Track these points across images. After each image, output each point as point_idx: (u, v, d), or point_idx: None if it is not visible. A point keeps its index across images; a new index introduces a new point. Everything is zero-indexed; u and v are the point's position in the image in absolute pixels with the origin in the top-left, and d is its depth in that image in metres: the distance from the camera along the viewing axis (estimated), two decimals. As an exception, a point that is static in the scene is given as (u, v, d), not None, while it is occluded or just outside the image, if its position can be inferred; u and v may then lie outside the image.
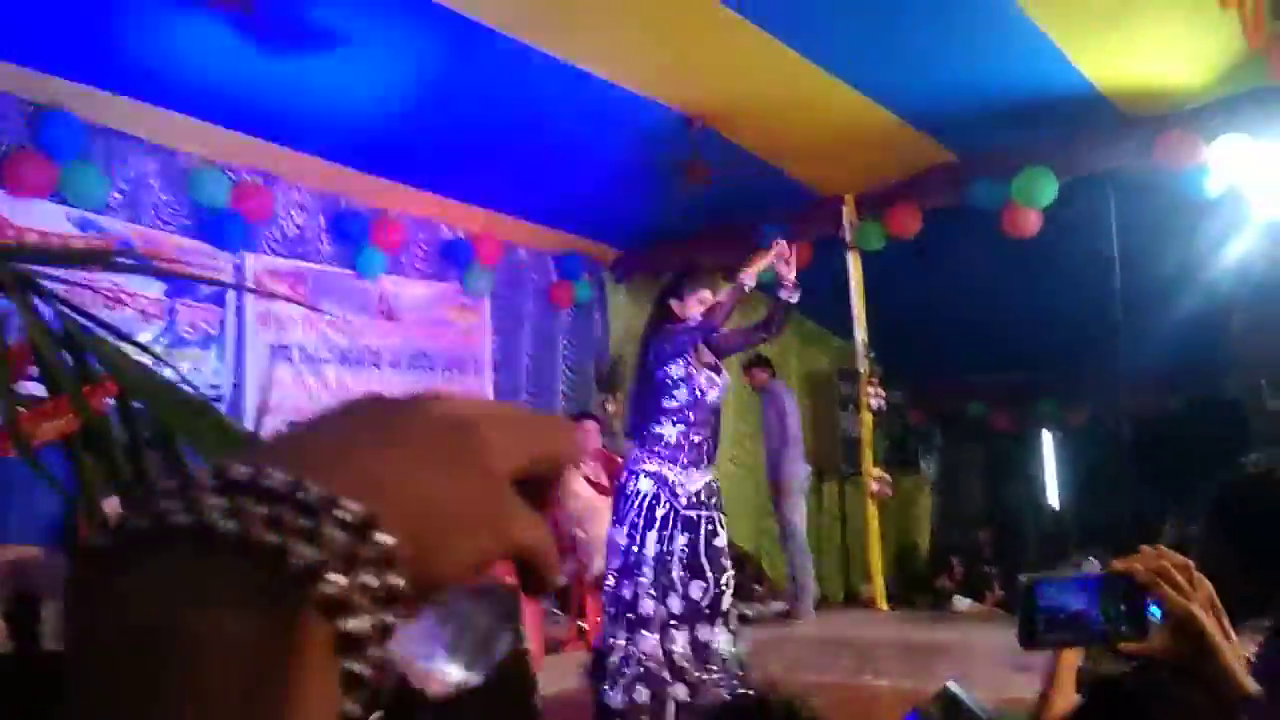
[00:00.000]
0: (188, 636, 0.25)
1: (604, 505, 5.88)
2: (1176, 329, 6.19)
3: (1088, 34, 4.58)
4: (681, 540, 3.27)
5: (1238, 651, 1.06)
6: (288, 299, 5.88)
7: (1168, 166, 5.22)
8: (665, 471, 3.30)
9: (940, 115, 5.37)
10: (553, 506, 0.38)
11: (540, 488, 0.37)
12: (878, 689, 3.76)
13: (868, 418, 6.79)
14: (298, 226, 6.06)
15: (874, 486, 6.67)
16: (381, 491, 0.30)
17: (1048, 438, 9.42)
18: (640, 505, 3.28)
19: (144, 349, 0.75)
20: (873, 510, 6.75)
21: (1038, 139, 5.52)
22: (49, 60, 4.42)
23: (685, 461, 3.35)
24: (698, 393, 3.39)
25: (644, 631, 3.22)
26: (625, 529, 3.31)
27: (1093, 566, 1.15)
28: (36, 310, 0.67)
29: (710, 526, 3.38)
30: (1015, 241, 5.81)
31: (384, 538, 0.29)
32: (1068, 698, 1.43)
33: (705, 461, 3.48)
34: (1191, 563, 1.06)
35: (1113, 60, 4.84)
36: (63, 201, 4.84)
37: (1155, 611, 1.04)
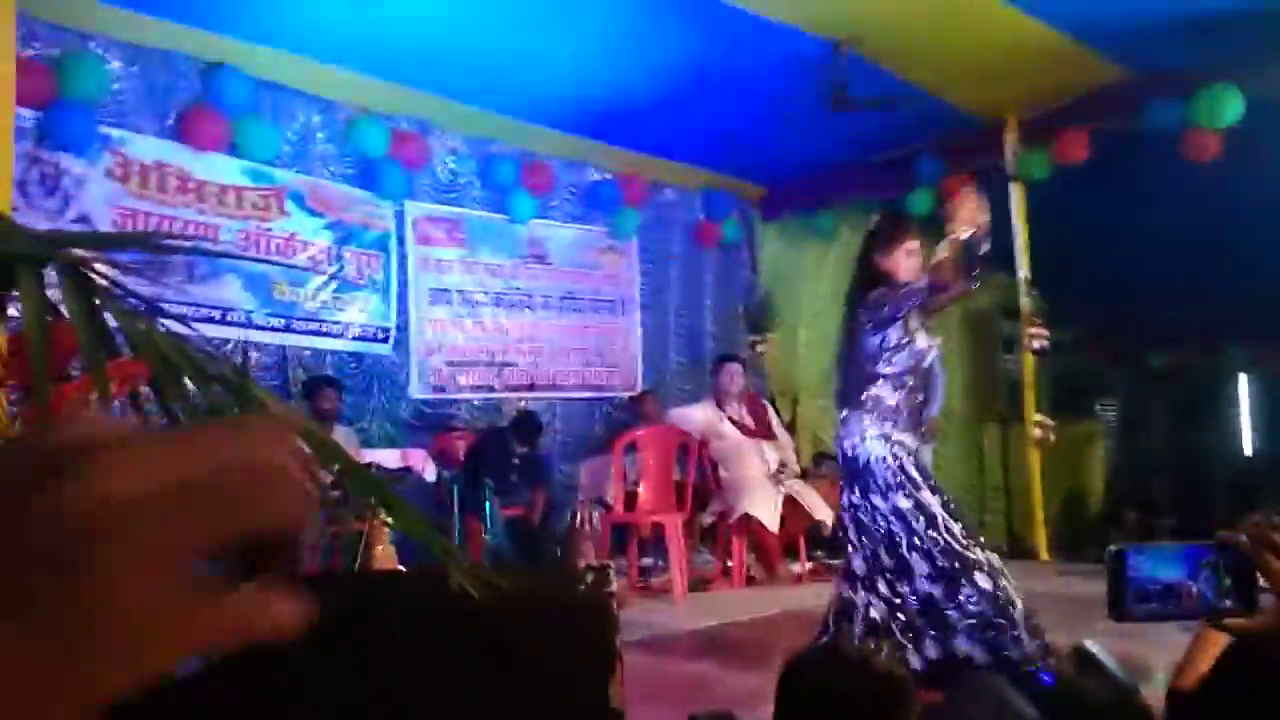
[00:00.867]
0: None
1: (750, 446, 5.89)
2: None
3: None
4: (923, 498, 3.18)
5: None
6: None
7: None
8: (894, 434, 3.22)
9: (1111, 29, 4.93)
10: (284, 562, 0.30)
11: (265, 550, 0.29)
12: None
13: (1030, 360, 6.44)
14: (452, 173, 6.27)
15: (1036, 433, 6.35)
16: None
17: (1242, 381, 8.66)
18: (878, 469, 3.20)
19: (186, 324, 0.80)
20: (1036, 457, 6.43)
21: (1221, 54, 4.97)
22: (219, 20, 4.72)
23: (908, 425, 3.26)
24: (918, 356, 3.27)
25: (904, 588, 3.15)
26: (864, 495, 3.23)
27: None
28: (82, 294, 0.72)
29: (934, 482, 3.29)
30: (1199, 167, 5.31)
31: None
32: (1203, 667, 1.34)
33: (924, 425, 3.37)
34: None
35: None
36: (236, 153, 5.20)
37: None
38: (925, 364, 3.30)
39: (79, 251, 0.76)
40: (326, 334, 5.64)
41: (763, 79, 5.57)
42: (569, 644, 1.52)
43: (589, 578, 1.61)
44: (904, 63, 5.45)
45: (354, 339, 5.77)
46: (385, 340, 5.93)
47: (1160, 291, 7.26)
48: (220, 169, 5.16)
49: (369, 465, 5.07)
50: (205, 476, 0.27)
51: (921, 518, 3.12)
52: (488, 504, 5.59)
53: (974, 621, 3.06)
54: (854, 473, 3.24)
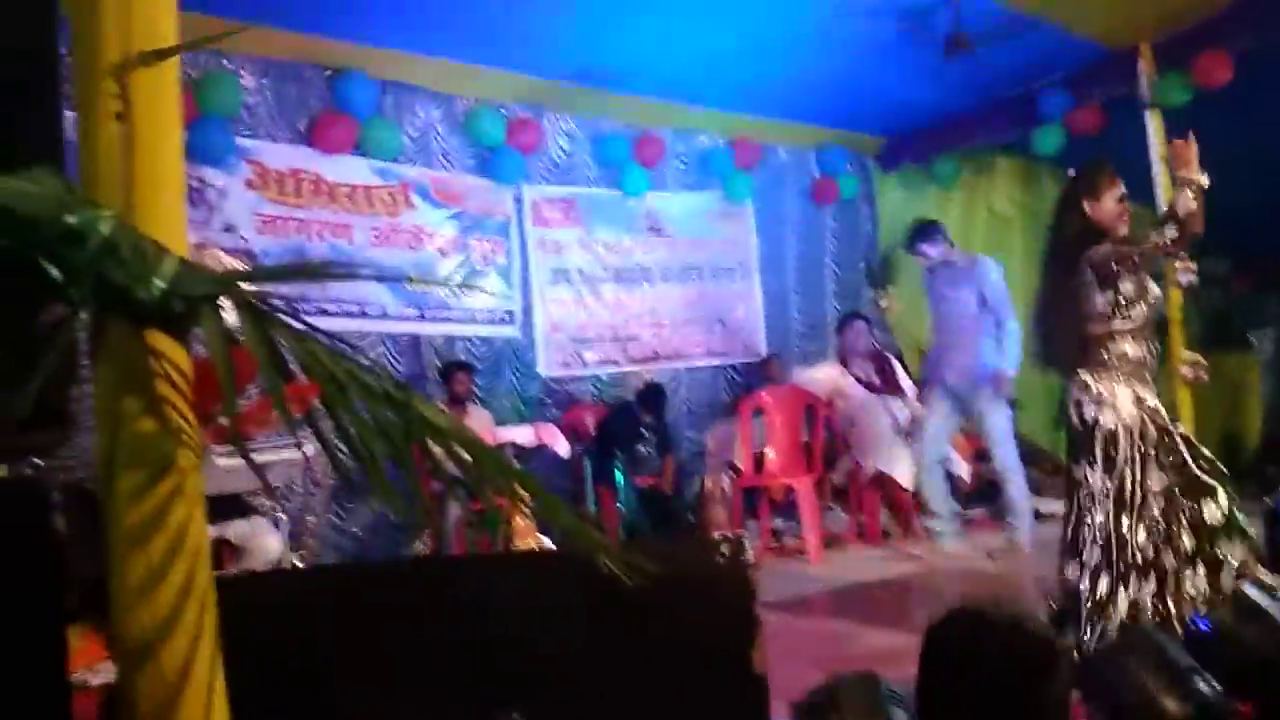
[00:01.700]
0: None
1: (876, 403, 5.82)
2: None
3: None
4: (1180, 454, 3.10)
5: None
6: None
7: None
8: (1138, 391, 3.15)
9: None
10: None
11: None
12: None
13: (1177, 295, 6.09)
14: (565, 153, 6.38)
15: (1187, 372, 6.02)
16: None
17: None
18: (1125, 434, 3.12)
19: (351, 347, 0.90)
20: (1186, 397, 6.10)
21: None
22: (341, 26, 4.93)
23: (1148, 377, 3.18)
24: (1153, 305, 3.19)
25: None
26: (1104, 463, 3.14)
27: None
28: (256, 325, 0.82)
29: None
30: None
31: None
32: None
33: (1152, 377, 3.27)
34: None
35: None
36: (363, 154, 5.44)
37: None
38: (1154, 312, 3.18)
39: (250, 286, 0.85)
40: (456, 320, 5.87)
41: (872, 27, 5.41)
42: (710, 614, 1.58)
43: (724, 548, 1.66)
44: (1021, -5, 5.19)
45: (482, 323, 5.98)
46: (511, 322, 6.12)
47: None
48: (349, 170, 5.41)
49: (503, 445, 5.29)
50: None
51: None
52: (619, 475, 5.73)
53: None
54: (1095, 440, 3.05)
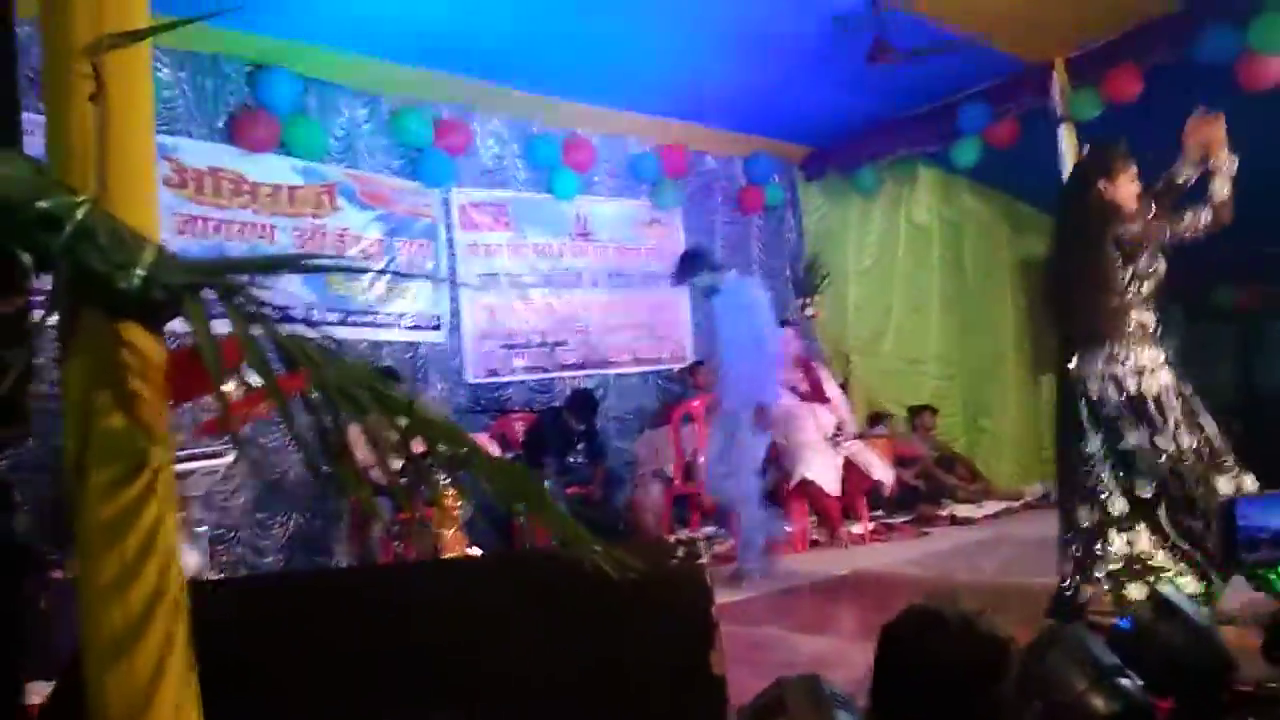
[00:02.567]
0: None
1: (805, 412, 5.90)
2: None
3: None
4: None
5: None
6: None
7: None
8: (1156, 355, 3.25)
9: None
10: None
11: None
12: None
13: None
14: (495, 156, 6.32)
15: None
16: None
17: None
18: (1169, 399, 3.19)
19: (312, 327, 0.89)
20: (1096, 402, 6.34)
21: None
22: (262, 21, 4.78)
23: (1154, 343, 3.30)
24: (1159, 275, 3.32)
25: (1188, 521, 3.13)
26: (1152, 428, 3.15)
27: None
28: (241, 316, 0.79)
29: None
30: (1254, 98, 5.17)
31: None
32: None
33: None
34: None
35: None
36: (286, 153, 5.30)
37: None
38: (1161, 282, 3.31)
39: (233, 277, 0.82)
40: (382, 325, 5.75)
41: (799, 38, 5.51)
42: (667, 617, 1.58)
43: (680, 551, 1.66)
44: (943, 10, 5.35)
45: (408, 328, 5.88)
46: (438, 328, 6.03)
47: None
48: (271, 169, 5.26)
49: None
50: None
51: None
52: (549, 483, 5.69)
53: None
54: (1146, 406, 3.15)
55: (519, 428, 6.00)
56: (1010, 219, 8.59)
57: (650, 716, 1.62)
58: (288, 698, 1.46)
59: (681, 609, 1.67)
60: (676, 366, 7.06)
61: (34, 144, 1.08)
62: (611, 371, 6.82)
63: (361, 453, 0.90)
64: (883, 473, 6.07)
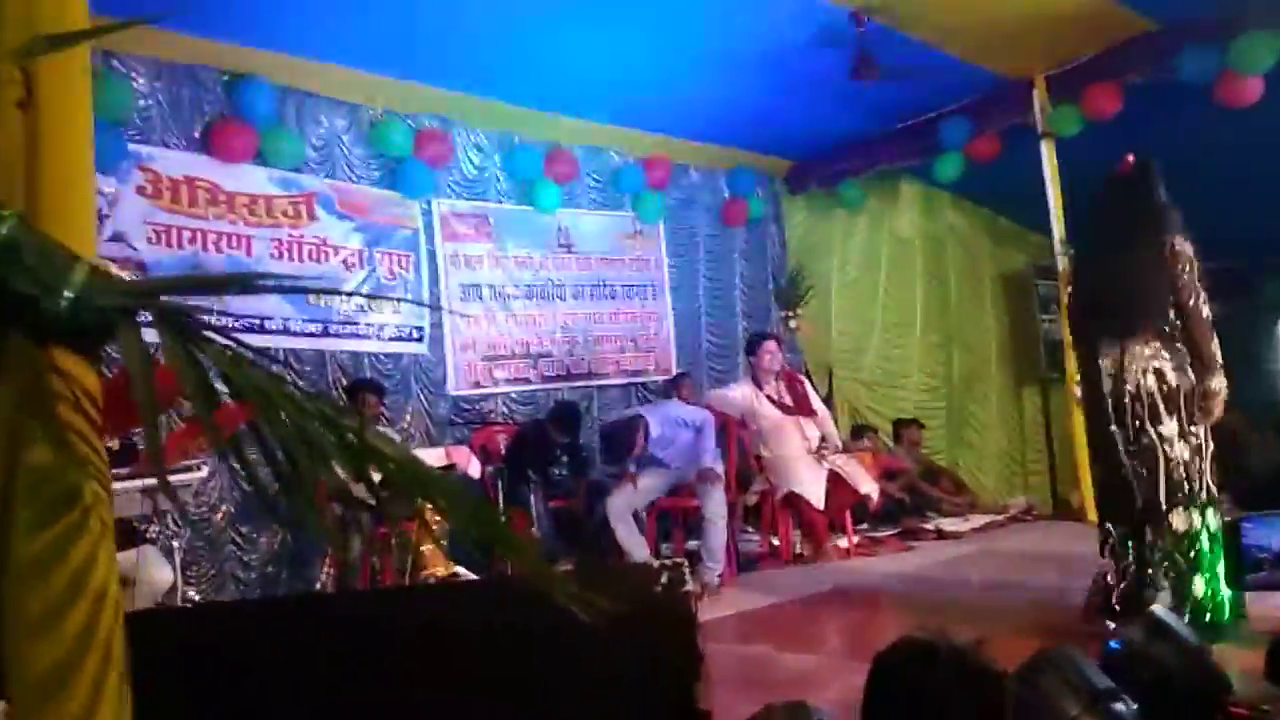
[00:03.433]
0: None
1: (790, 424, 5.86)
2: None
3: None
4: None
5: None
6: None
7: None
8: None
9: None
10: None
11: None
12: (1074, 608, 3.59)
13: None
14: (476, 167, 6.27)
15: (1079, 392, 6.26)
16: None
17: (1282, 328, 8.51)
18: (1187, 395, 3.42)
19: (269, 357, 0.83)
20: (1079, 416, 6.34)
21: (1251, 2, 4.88)
22: (241, 31, 4.72)
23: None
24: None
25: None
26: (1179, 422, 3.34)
27: None
28: (181, 343, 0.74)
29: None
30: (1229, 116, 5.20)
31: None
32: None
33: None
34: None
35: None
36: (263, 163, 5.22)
37: None
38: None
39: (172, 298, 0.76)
40: (363, 336, 5.67)
41: (783, 53, 5.50)
42: (649, 647, 1.52)
43: (664, 577, 1.60)
44: (925, 27, 5.36)
45: (389, 339, 5.80)
46: (420, 339, 5.95)
47: (1197, 243, 7.11)
48: (249, 179, 5.19)
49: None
50: None
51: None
52: (532, 497, 5.61)
53: None
54: (1212, 399, 3.38)
55: (501, 440, 5.92)
56: (992, 233, 8.62)
57: (628, 750, 1.57)
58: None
59: (666, 640, 1.62)
60: (661, 378, 7.01)
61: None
62: (595, 384, 6.77)
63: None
64: (868, 486, 6.02)
